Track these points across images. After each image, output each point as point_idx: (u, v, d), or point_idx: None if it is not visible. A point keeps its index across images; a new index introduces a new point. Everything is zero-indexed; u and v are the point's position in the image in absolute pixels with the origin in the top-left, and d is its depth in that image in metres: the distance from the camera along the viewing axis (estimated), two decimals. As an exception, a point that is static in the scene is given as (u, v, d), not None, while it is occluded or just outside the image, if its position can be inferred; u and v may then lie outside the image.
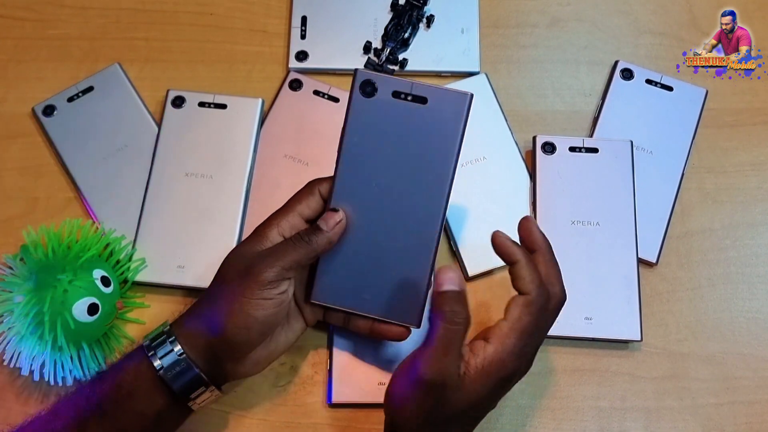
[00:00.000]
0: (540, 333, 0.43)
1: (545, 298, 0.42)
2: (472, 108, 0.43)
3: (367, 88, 0.42)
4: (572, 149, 0.57)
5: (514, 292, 0.57)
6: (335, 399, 0.51)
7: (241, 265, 0.44)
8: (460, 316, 0.40)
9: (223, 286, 0.44)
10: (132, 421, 0.43)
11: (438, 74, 0.61)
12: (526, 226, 0.45)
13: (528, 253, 0.44)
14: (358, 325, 0.48)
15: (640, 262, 0.55)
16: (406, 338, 0.47)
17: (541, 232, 0.45)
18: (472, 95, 0.42)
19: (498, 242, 0.44)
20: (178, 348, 0.43)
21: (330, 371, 0.51)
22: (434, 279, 0.42)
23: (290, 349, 0.48)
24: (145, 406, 0.43)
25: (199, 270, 0.54)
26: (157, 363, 0.43)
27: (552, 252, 0.45)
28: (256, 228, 0.46)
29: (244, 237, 0.54)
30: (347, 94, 0.59)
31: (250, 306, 0.42)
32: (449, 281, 0.41)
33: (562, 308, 0.44)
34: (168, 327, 0.45)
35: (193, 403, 0.45)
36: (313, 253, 0.44)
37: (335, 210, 0.45)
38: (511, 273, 0.43)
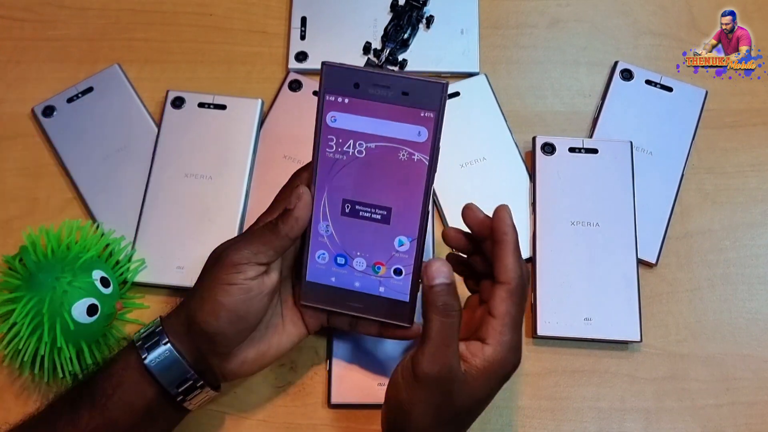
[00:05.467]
0: (522, 319, 0.42)
1: (523, 285, 0.42)
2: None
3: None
4: (572, 150, 0.57)
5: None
6: (335, 400, 0.51)
7: (215, 254, 0.44)
8: (453, 308, 0.40)
9: (200, 276, 0.45)
10: (122, 412, 0.43)
11: (438, 75, 0.61)
12: (501, 214, 0.42)
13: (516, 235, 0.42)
14: (366, 329, 0.48)
15: (640, 262, 0.55)
16: (417, 335, 0.45)
17: (513, 222, 0.43)
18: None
19: (476, 215, 0.43)
20: (165, 340, 0.44)
21: (330, 372, 0.51)
22: (423, 272, 0.41)
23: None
24: (134, 397, 0.43)
25: (199, 271, 0.53)
26: (144, 354, 0.43)
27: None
28: (246, 229, 0.46)
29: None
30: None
31: (216, 291, 0.42)
32: (440, 274, 0.40)
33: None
34: (158, 320, 0.45)
35: (188, 403, 0.44)
36: (282, 237, 0.43)
37: (298, 188, 0.43)
38: (493, 256, 0.42)
